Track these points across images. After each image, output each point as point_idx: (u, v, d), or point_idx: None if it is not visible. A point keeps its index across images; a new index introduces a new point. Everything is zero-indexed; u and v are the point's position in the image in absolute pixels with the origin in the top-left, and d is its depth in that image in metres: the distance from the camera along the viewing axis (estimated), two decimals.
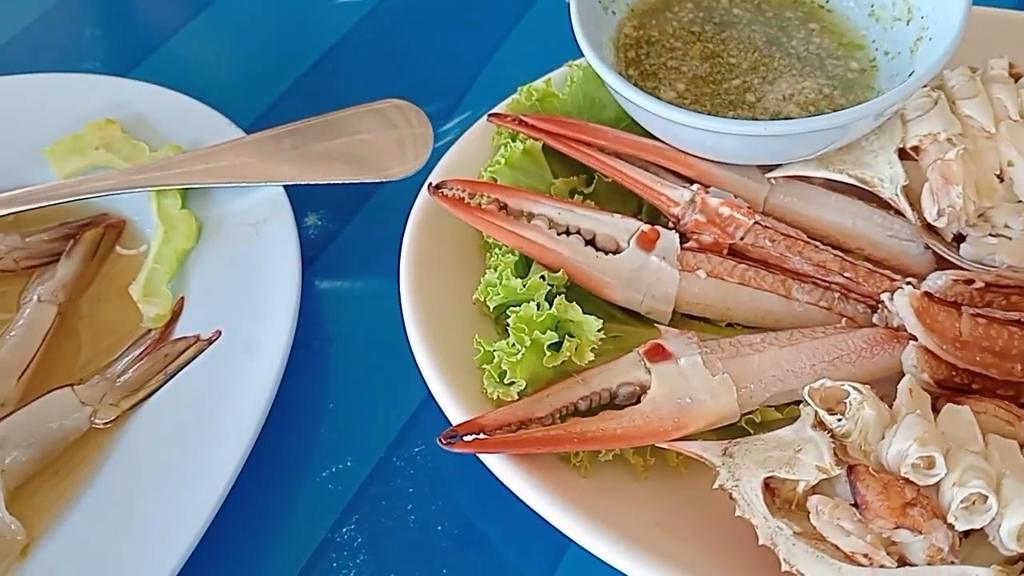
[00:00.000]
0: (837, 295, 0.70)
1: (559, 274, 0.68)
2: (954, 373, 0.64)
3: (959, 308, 0.65)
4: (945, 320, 0.64)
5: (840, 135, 0.70)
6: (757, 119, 0.73)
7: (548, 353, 0.63)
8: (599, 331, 0.64)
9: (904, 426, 0.56)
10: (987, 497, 0.52)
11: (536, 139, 0.75)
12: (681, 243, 0.70)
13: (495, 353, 0.63)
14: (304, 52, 0.95)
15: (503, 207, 0.70)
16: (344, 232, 0.82)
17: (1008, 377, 0.64)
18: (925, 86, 0.73)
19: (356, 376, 0.74)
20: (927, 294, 0.64)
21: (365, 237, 0.79)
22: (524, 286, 0.66)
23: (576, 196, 0.75)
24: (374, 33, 0.97)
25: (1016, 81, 0.75)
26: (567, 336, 0.64)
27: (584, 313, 0.66)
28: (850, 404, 0.57)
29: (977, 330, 0.64)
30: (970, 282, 0.68)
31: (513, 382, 0.62)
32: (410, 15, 1.00)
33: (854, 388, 0.58)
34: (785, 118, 0.73)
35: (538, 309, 0.64)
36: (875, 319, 0.68)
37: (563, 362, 0.63)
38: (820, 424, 0.58)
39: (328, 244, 0.81)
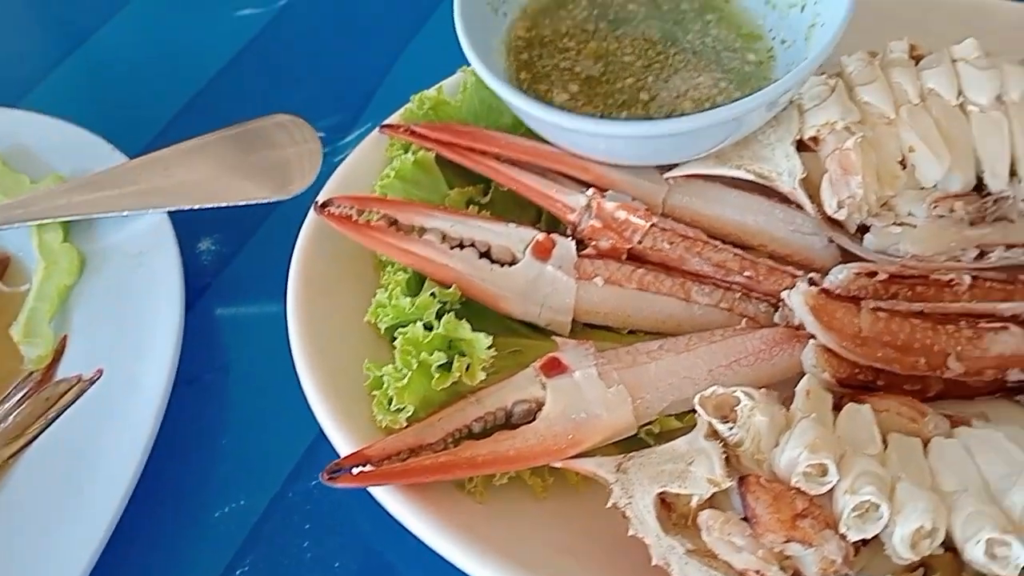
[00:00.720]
0: (738, 295, 0.68)
1: (451, 290, 0.65)
2: (857, 370, 0.62)
3: (858, 303, 0.63)
4: (843, 316, 0.62)
5: (734, 129, 0.68)
6: (651, 118, 0.71)
7: (437, 375, 0.61)
8: (489, 348, 0.61)
9: (796, 432, 0.54)
10: (879, 504, 0.50)
11: (429, 149, 0.73)
12: (579, 250, 0.69)
13: (383, 378, 0.61)
14: (199, 71, 0.92)
15: (393, 223, 0.68)
16: (238, 257, 0.79)
17: (913, 371, 0.63)
18: (822, 74, 0.72)
19: (250, 409, 0.71)
20: (824, 290, 0.63)
21: (260, 261, 0.76)
22: (414, 305, 0.64)
23: (472, 206, 0.73)
24: (270, 48, 0.95)
25: (917, 63, 0.74)
26: (458, 355, 0.62)
27: (482, 329, 0.64)
28: (741, 411, 0.55)
29: (878, 325, 0.62)
30: (873, 274, 0.66)
31: (401, 408, 0.60)
32: (308, 28, 0.97)
33: (745, 394, 0.56)
34: (680, 115, 0.71)
35: (425, 329, 0.62)
36: (776, 318, 0.67)
37: (454, 383, 0.61)
38: (714, 434, 0.56)
39: (221, 270, 0.78)
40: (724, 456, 0.55)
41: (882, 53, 0.74)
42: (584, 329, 0.69)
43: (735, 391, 0.56)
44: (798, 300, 0.62)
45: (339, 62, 0.94)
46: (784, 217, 0.71)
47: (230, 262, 0.79)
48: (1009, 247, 0.70)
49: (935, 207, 0.69)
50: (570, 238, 0.69)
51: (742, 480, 0.52)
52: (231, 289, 0.78)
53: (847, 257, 0.71)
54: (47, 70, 0.94)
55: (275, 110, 0.80)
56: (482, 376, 0.61)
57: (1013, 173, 0.70)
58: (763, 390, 0.58)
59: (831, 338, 0.61)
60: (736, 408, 0.56)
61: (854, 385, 0.63)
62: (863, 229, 0.70)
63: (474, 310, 0.67)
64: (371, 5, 0.99)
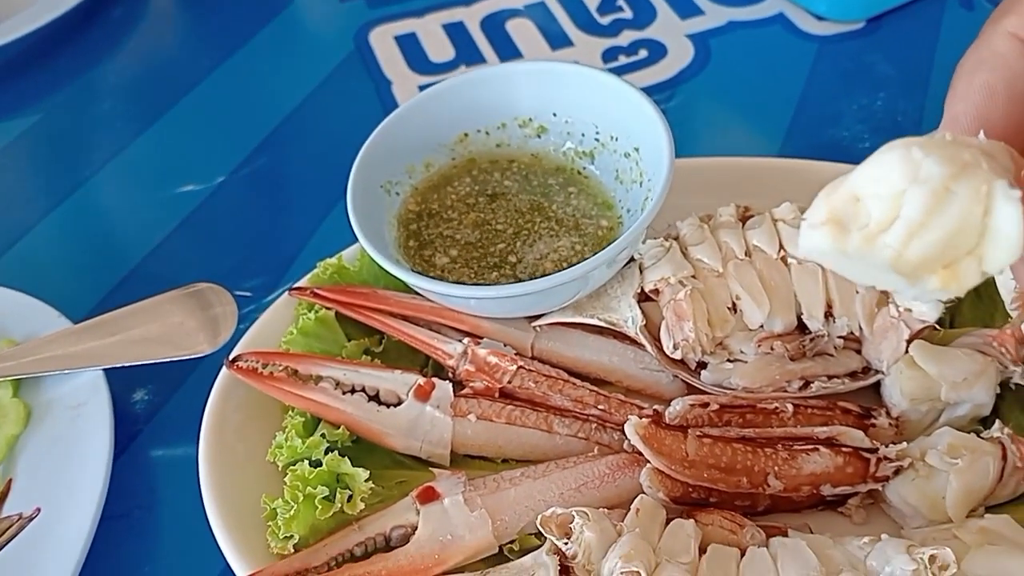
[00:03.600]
0: (594, 426, 0.79)
1: (339, 431, 0.76)
2: (690, 489, 0.72)
3: (686, 431, 0.73)
4: (672, 443, 0.72)
5: (582, 286, 0.81)
6: (518, 278, 0.83)
7: (320, 506, 0.70)
8: (368, 481, 0.71)
9: (618, 545, 0.64)
10: None
11: (329, 308, 0.85)
12: (458, 391, 0.79)
13: (276, 510, 0.70)
14: (142, 242, 1.05)
15: (294, 373, 0.79)
16: (167, 405, 0.89)
17: (737, 489, 0.72)
18: (660, 237, 0.85)
19: (170, 540, 0.80)
20: (655, 421, 0.73)
21: (186, 409, 0.85)
22: (305, 445, 0.74)
23: (367, 356, 0.84)
24: (207, 219, 1.08)
25: (745, 223, 0.87)
26: (341, 488, 0.72)
27: (374, 463, 0.74)
28: (575, 528, 0.65)
29: (703, 449, 0.72)
30: (706, 405, 0.77)
31: (289, 536, 0.69)
32: (242, 201, 1.11)
33: (579, 513, 0.65)
34: (542, 274, 0.83)
35: (312, 466, 0.72)
36: (624, 445, 0.77)
37: (336, 513, 0.71)
38: (555, 549, 0.66)
39: (152, 417, 0.89)
40: (559, 568, 0.64)
41: (713, 217, 0.88)
42: (464, 459, 0.79)
43: (571, 511, 0.66)
44: (631, 431, 0.72)
45: (267, 230, 1.07)
46: (635, 357, 0.83)
47: (159, 411, 0.89)
48: (830, 378, 0.81)
49: (760, 346, 0.81)
50: (449, 381, 0.80)
51: None
52: (159, 434, 0.87)
53: (691, 390, 0.82)
54: (5, 247, 1.07)
55: (211, 273, 0.92)
56: (361, 506, 0.71)
57: (829, 314, 0.82)
58: (600, 510, 0.68)
59: (661, 462, 0.71)
60: (571, 525, 0.66)
61: (688, 502, 0.72)
62: (702, 365, 0.82)
63: (366, 447, 0.78)
64: (297, 180, 1.14)
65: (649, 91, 1.21)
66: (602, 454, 0.76)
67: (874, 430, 0.77)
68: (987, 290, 0.88)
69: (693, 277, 0.82)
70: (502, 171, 0.93)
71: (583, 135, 0.92)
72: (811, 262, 0.83)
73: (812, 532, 0.72)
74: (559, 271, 0.82)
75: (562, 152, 0.93)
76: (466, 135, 0.94)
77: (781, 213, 0.85)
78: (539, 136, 0.94)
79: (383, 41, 1.34)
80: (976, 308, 0.88)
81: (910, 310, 0.78)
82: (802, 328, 0.82)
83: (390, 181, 0.89)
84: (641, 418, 0.73)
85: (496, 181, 0.92)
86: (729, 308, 0.82)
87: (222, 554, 0.72)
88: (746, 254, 0.84)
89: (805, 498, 0.74)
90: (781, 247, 0.83)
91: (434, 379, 0.79)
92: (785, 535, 0.69)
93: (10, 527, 0.77)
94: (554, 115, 0.93)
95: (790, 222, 0.84)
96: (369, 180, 0.87)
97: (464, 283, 0.83)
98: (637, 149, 0.87)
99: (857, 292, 0.81)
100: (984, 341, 0.79)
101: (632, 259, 0.84)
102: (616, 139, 0.90)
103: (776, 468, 0.72)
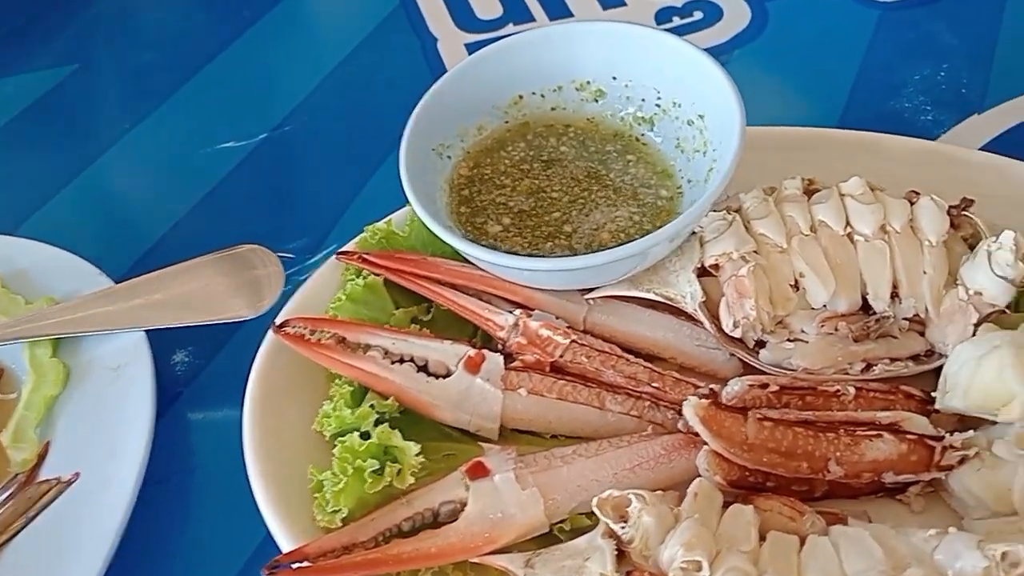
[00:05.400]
0: (647, 404, 0.76)
1: (389, 402, 0.74)
2: (748, 473, 0.70)
3: (745, 413, 0.71)
4: (731, 425, 0.70)
5: (640, 261, 0.78)
6: (573, 248, 0.80)
7: (370, 480, 0.68)
8: (418, 455, 0.69)
9: (678, 531, 0.61)
10: None
11: (377, 275, 0.82)
12: (508, 363, 0.77)
13: (324, 482, 0.69)
14: (181, 199, 1.03)
15: (342, 340, 0.77)
16: (207, 368, 0.88)
17: (796, 474, 0.70)
18: (722, 209, 0.82)
19: (212, 507, 0.79)
20: (715, 402, 0.71)
21: (228, 373, 0.84)
22: (354, 415, 0.72)
23: (414, 325, 0.82)
24: (248, 176, 1.05)
25: (810, 197, 0.84)
26: (391, 462, 0.70)
27: (420, 435, 0.72)
28: (632, 512, 0.63)
29: (763, 433, 0.70)
30: (765, 386, 0.74)
31: (337, 509, 0.67)
32: (283, 160, 1.08)
33: (637, 496, 0.63)
34: (598, 245, 0.80)
35: (362, 438, 0.70)
36: (680, 425, 0.74)
37: (386, 487, 0.69)
38: (610, 532, 0.63)
39: (192, 380, 0.87)
40: (616, 553, 0.62)
41: (778, 190, 0.84)
42: (512, 434, 0.77)
43: (628, 493, 0.64)
44: (690, 411, 0.69)
45: (310, 191, 1.05)
46: (691, 334, 0.80)
47: (200, 374, 0.88)
48: (892, 360, 0.78)
49: (822, 326, 0.78)
50: (499, 353, 0.78)
51: (628, 574, 0.60)
52: (200, 398, 0.86)
53: (747, 369, 0.79)
54: (44, 199, 1.05)
55: (248, 237, 0.90)
56: (411, 480, 0.69)
57: (895, 295, 0.79)
58: (657, 492, 0.66)
59: (720, 444, 0.69)
60: (628, 509, 0.63)
61: (745, 486, 0.70)
62: (760, 344, 0.79)
63: (414, 418, 0.76)
64: (340, 139, 1.11)
65: None
66: (656, 433, 0.73)
67: (937, 416, 0.73)
68: None
69: (756, 252, 0.79)
70: (558, 136, 0.90)
71: (643, 100, 0.88)
72: (879, 239, 0.79)
73: (871, 520, 0.69)
74: (616, 242, 0.80)
75: (620, 117, 0.90)
76: (520, 97, 0.90)
77: (849, 188, 0.82)
78: (597, 100, 0.90)
79: None
80: None
81: (980, 293, 0.76)
82: (866, 308, 0.79)
83: (442, 144, 0.86)
84: (699, 398, 0.70)
85: (552, 146, 0.89)
86: (792, 285, 0.79)
87: (261, 524, 0.71)
88: (811, 230, 0.80)
89: (865, 485, 0.71)
90: (848, 223, 0.80)
91: (485, 351, 0.77)
92: (845, 523, 0.67)
93: (48, 491, 0.76)
94: (614, 79, 0.89)
95: (858, 197, 0.81)
96: (421, 143, 0.84)
97: (517, 253, 0.80)
98: (702, 116, 0.83)
99: (925, 272, 0.78)
100: None
101: (692, 232, 0.81)
102: (679, 105, 0.86)
103: (838, 454, 0.70)
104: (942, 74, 1.14)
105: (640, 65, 0.87)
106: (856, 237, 0.80)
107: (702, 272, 0.80)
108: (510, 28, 1.24)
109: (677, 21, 1.24)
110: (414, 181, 0.79)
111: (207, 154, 1.09)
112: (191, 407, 0.86)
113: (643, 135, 0.89)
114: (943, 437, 0.71)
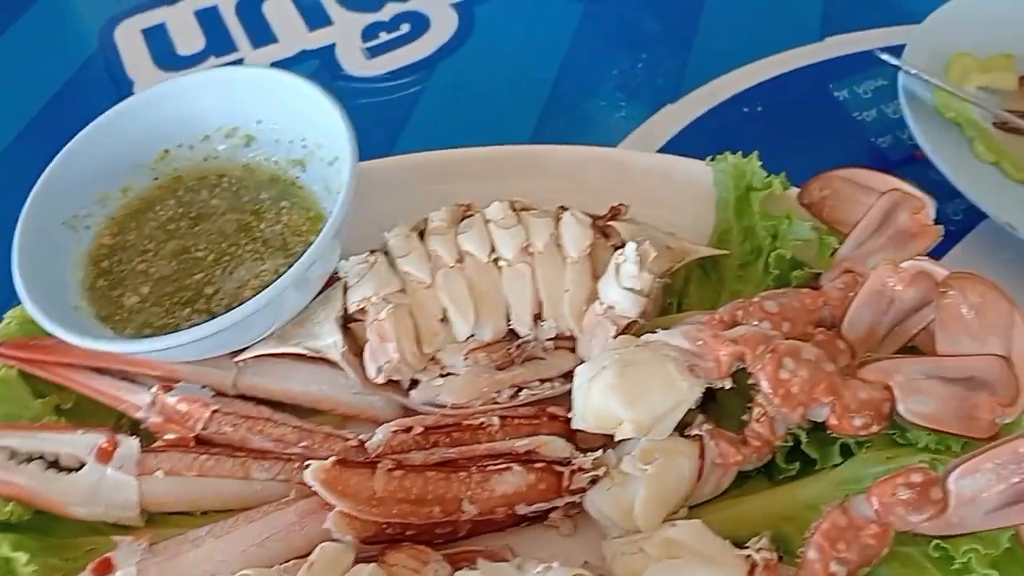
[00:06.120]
0: (296, 465, 0.74)
1: (9, 507, 0.70)
2: (384, 526, 0.69)
3: (374, 466, 0.70)
4: (358, 482, 0.69)
5: (277, 313, 0.76)
6: (212, 311, 0.77)
7: None
8: (28, 565, 0.66)
9: None
10: None
11: (12, 366, 0.78)
12: (149, 444, 0.74)
13: None
14: None
15: None
16: None
17: (430, 520, 0.70)
18: (366, 252, 0.80)
19: None
20: (340, 461, 0.69)
21: None
22: None
23: (53, 415, 0.77)
24: None
25: (459, 223, 0.83)
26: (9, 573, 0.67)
27: (67, 532, 0.70)
28: None
29: (391, 484, 0.69)
30: (409, 429, 0.74)
31: None
32: None
33: None
34: (239, 304, 0.78)
35: None
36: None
37: None
38: None
39: None
40: None
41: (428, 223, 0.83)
42: (163, 517, 0.75)
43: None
44: (311, 476, 0.68)
45: None
46: (346, 383, 0.78)
47: None
48: (543, 381, 0.79)
49: (467, 358, 0.77)
50: (137, 436, 0.75)
51: None
52: None
53: (408, 411, 0.78)
54: None
55: None
56: None
57: (539, 316, 0.80)
58: (288, 563, 0.65)
59: (347, 504, 0.68)
60: None
61: (383, 540, 0.70)
62: (415, 384, 0.78)
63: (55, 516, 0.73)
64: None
65: (408, 71, 1.18)
66: (300, 496, 0.72)
67: (583, 434, 0.74)
68: (715, 271, 0.87)
69: (401, 291, 0.78)
70: (211, 188, 0.87)
71: (291, 142, 0.86)
72: (521, 262, 0.79)
73: (513, 553, 0.70)
74: None
75: (275, 161, 0.87)
76: (167, 152, 0.87)
77: (492, 213, 0.82)
78: (247, 145, 0.87)
79: (129, 36, 1.24)
80: (703, 288, 0.87)
81: (613, 307, 0.77)
82: (514, 334, 0.79)
83: (76, 216, 0.82)
84: (336, 456, 0.70)
85: (203, 200, 0.86)
86: (441, 320, 0.79)
87: None
88: (458, 260, 0.80)
89: (505, 518, 0.72)
90: (493, 249, 0.80)
91: (118, 436, 0.74)
92: (473, 564, 0.67)
93: None
94: (258, 123, 0.87)
95: (499, 222, 0.81)
96: (46, 218, 0.79)
97: (152, 324, 0.77)
98: (337, 158, 0.81)
99: (566, 291, 0.79)
100: (696, 330, 0.76)
101: (337, 278, 0.80)
102: (322, 146, 0.84)
103: (470, 493, 0.70)
104: (640, 65, 1.16)
105: (278, 107, 0.85)
106: (501, 263, 0.80)
107: (350, 319, 0.78)
108: (211, 62, 1.20)
109: (384, 36, 1.22)
110: (32, 269, 0.75)
111: None
112: None
113: (298, 178, 0.86)
114: (570, 461, 0.71)
